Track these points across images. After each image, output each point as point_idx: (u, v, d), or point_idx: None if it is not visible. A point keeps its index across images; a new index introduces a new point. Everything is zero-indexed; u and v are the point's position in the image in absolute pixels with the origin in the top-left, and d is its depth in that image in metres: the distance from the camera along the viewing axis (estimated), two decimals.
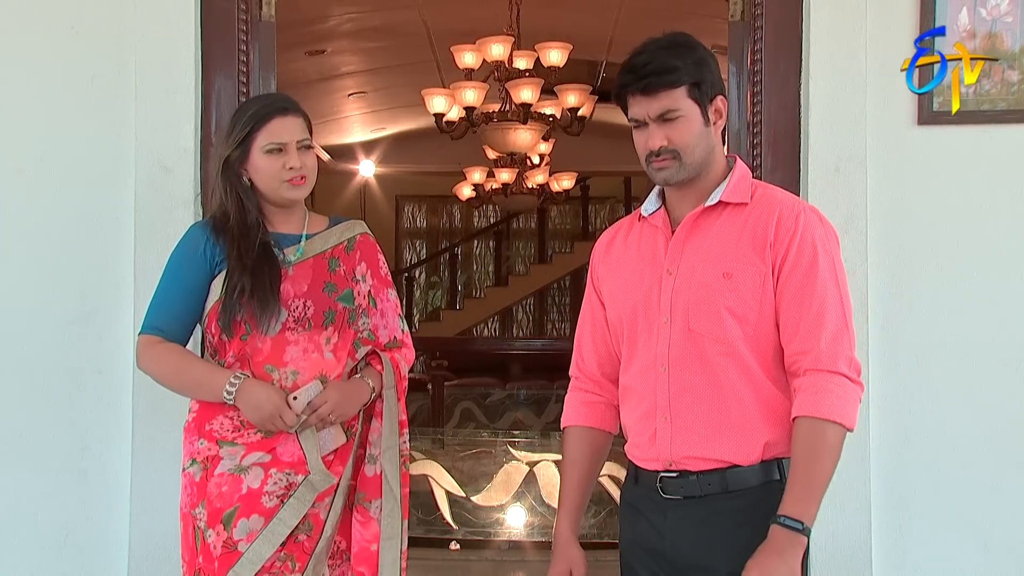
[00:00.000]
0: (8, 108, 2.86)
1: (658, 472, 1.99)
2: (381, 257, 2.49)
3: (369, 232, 2.49)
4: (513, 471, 5.45)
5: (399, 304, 2.52)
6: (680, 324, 1.96)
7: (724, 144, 2.09)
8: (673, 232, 2.03)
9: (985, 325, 2.81)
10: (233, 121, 2.36)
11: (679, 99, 1.94)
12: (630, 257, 2.09)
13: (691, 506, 1.95)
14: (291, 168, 2.30)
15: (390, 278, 2.51)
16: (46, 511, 2.82)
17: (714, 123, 1.99)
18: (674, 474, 1.97)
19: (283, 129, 2.30)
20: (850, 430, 1.89)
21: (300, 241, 2.37)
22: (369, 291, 2.43)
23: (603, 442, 2.16)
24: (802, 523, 1.83)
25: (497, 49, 5.84)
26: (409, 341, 2.50)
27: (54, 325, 2.82)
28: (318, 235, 2.40)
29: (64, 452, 2.81)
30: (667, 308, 1.98)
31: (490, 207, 10.67)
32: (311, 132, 2.38)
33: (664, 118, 1.95)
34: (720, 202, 1.99)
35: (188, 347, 2.38)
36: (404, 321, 2.52)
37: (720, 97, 1.98)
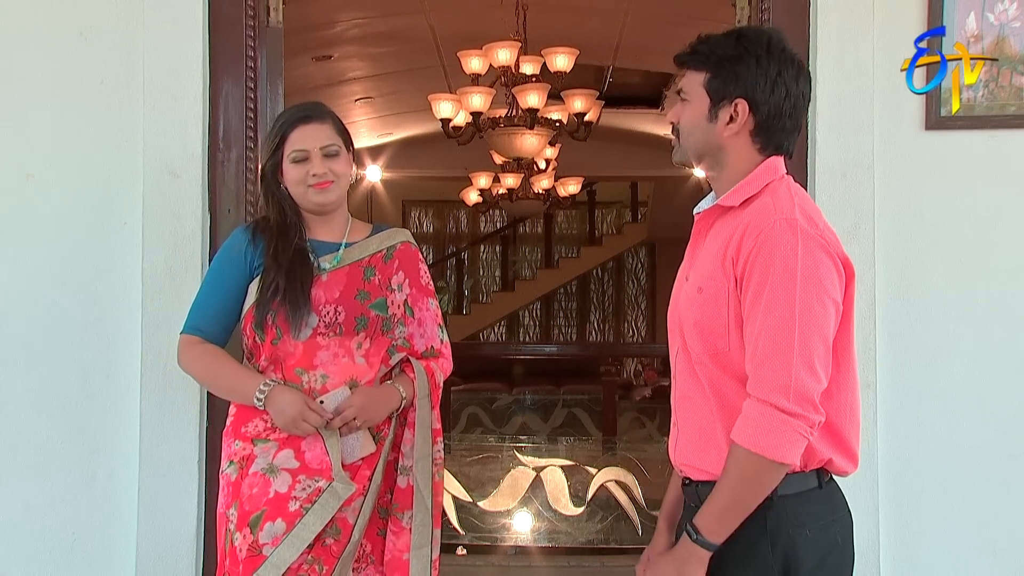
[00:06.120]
0: (18, 113, 2.87)
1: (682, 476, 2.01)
2: (422, 266, 2.50)
3: (411, 241, 2.51)
4: (520, 476, 5.43)
5: (439, 314, 2.51)
6: (681, 334, 1.95)
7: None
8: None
9: (993, 329, 2.80)
10: (269, 133, 2.44)
11: (693, 83, 1.93)
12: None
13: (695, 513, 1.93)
14: (314, 175, 2.36)
15: (432, 287, 2.51)
16: (54, 516, 2.82)
17: (723, 122, 1.90)
18: (687, 481, 1.98)
19: (305, 137, 2.37)
20: (779, 462, 1.76)
21: (339, 249, 2.40)
22: (405, 300, 2.44)
23: None
24: (696, 531, 1.81)
25: (504, 54, 5.84)
26: (448, 352, 2.51)
27: (62, 329, 2.83)
28: (357, 244, 2.43)
29: (72, 456, 2.82)
30: (678, 316, 1.97)
31: (496, 212, 10.70)
32: (346, 136, 2.42)
33: (680, 95, 1.96)
34: (718, 206, 1.94)
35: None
36: (444, 331, 2.52)
37: (742, 101, 1.88)
